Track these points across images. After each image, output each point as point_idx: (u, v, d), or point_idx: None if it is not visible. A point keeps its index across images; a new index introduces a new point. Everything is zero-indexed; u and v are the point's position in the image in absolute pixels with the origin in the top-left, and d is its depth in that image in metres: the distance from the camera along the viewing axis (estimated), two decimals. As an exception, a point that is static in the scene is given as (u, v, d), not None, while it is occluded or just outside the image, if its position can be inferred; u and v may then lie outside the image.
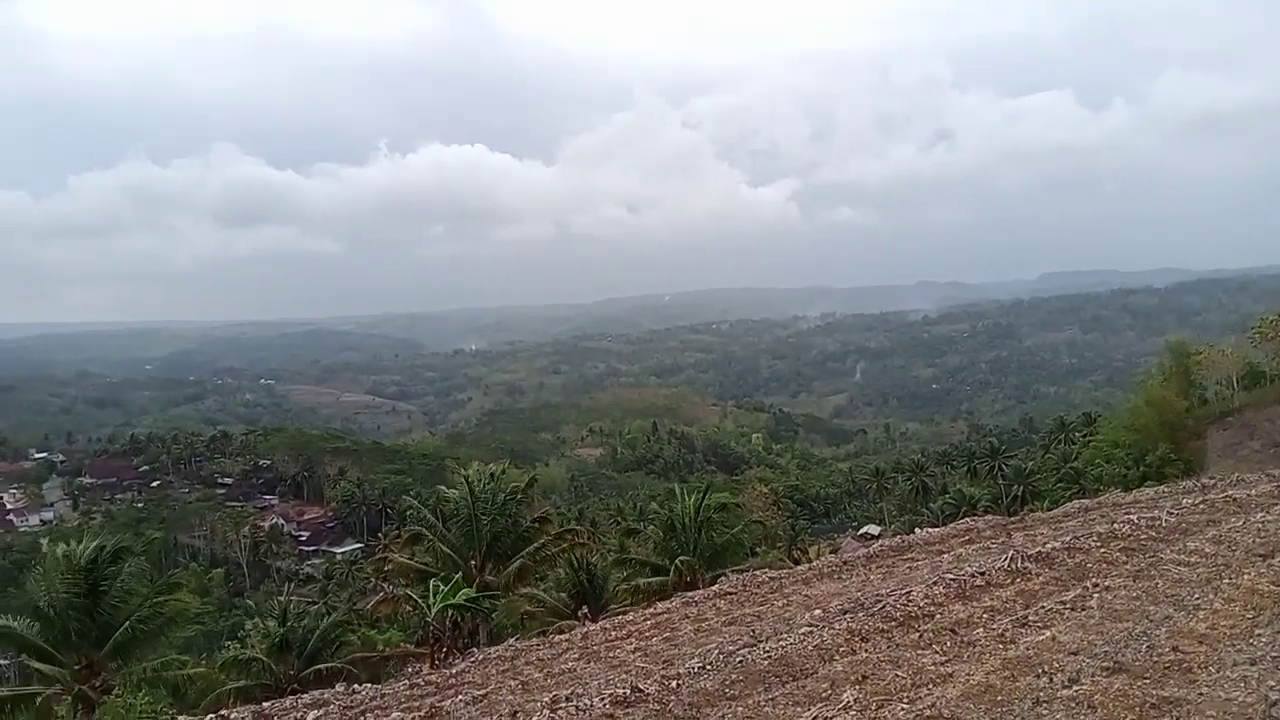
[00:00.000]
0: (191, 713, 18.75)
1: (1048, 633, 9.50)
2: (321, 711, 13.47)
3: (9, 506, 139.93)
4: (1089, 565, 12.91)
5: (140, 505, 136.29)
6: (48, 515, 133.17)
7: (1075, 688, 7.43)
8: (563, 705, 10.16)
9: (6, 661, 48.60)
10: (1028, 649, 8.95)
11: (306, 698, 16.46)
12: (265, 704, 16.53)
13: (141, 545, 28.04)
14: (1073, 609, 10.45)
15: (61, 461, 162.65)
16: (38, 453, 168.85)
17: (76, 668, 23.64)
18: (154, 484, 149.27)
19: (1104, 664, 8.13)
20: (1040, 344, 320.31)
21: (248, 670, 33.28)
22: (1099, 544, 14.09)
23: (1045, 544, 15.16)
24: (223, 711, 15.79)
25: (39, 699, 24.01)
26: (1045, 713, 6.92)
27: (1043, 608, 10.73)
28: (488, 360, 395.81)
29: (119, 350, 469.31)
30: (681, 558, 31.69)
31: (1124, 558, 13.22)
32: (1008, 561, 13.65)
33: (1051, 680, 7.76)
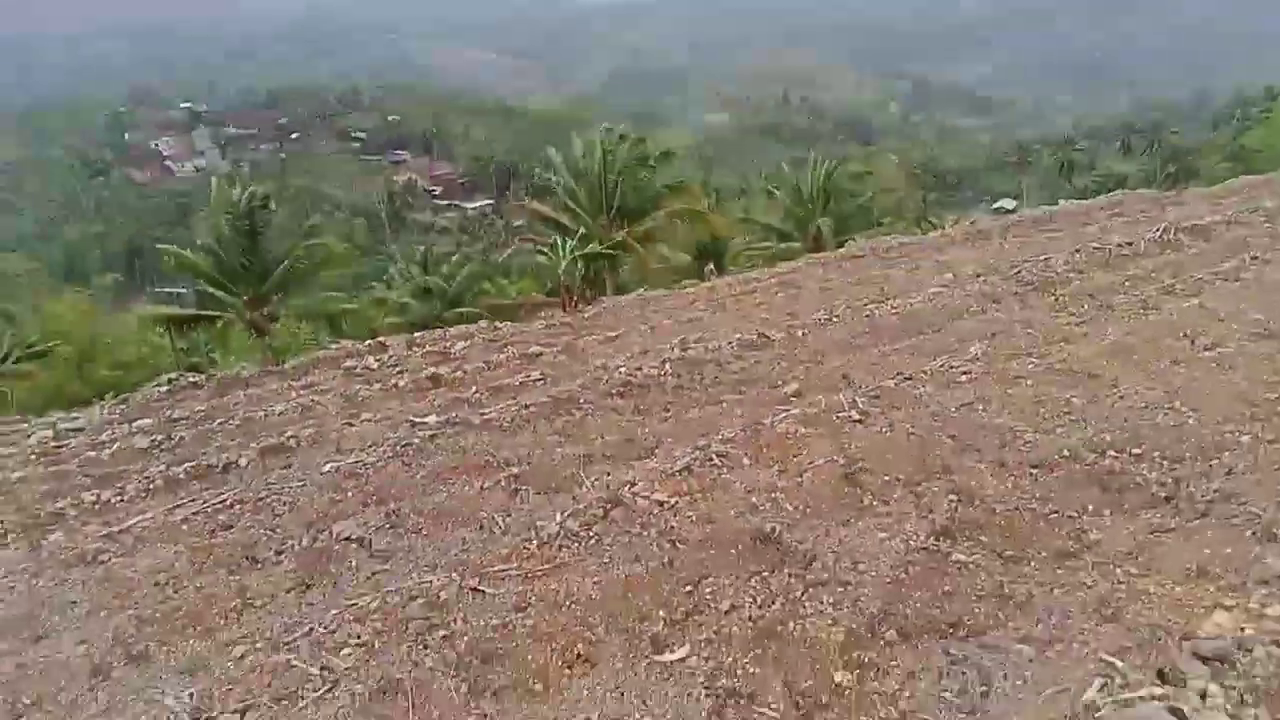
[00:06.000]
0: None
1: (1194, 300, 9.24)
2: (467, 343, 14.60)
3: (164, 153, 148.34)
4: (1250, 239, 12.22)
5: (283, 157, 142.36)
6: (200, 163, 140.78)
7: (1218, 350, 7.32)
8: (692, 346, 10.68)
9: (186, 290, 53.91)
10: (1171, 314, 8.77)
11: (453, 331, 17.84)
12: (415, 334, 18.08)
13: (290, 194, 29.54)
14: (1225, 280, 10.05)
15: (205, 111, 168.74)
16: (183, 103, 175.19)
17: (245, 299, 25.98)
18: (293, 136, 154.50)
19: (1252, 330, 7.92)
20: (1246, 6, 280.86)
21: (398, 310, 36.17)
22: (1265, 219, 13.25)
23: (1202, 218, 14.37)
24: (380, 339, 17.42)
25: (219, 322, 26.85)
26: (1183, 370, 6.89)
27: (1192, 277, 10.36)
28: (615, 17, 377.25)
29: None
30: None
31: (1292, 233, 12.44)
32: (1159, 233, 13.06)
33: (1193, 343, 7.65)
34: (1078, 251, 12.88)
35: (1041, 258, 13.02)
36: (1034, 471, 5.35)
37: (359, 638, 4.23)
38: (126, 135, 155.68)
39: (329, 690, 3.84)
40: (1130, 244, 13.03)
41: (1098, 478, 5.15)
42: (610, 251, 27.71)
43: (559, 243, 26.94)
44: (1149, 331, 8.19)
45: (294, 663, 4.07)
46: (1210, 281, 10.08)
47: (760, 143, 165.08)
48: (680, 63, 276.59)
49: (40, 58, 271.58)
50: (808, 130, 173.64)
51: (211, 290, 25.68)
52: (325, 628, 4.37)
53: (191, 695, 3.92)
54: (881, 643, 3.72)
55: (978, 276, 12.53)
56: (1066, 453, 5.54)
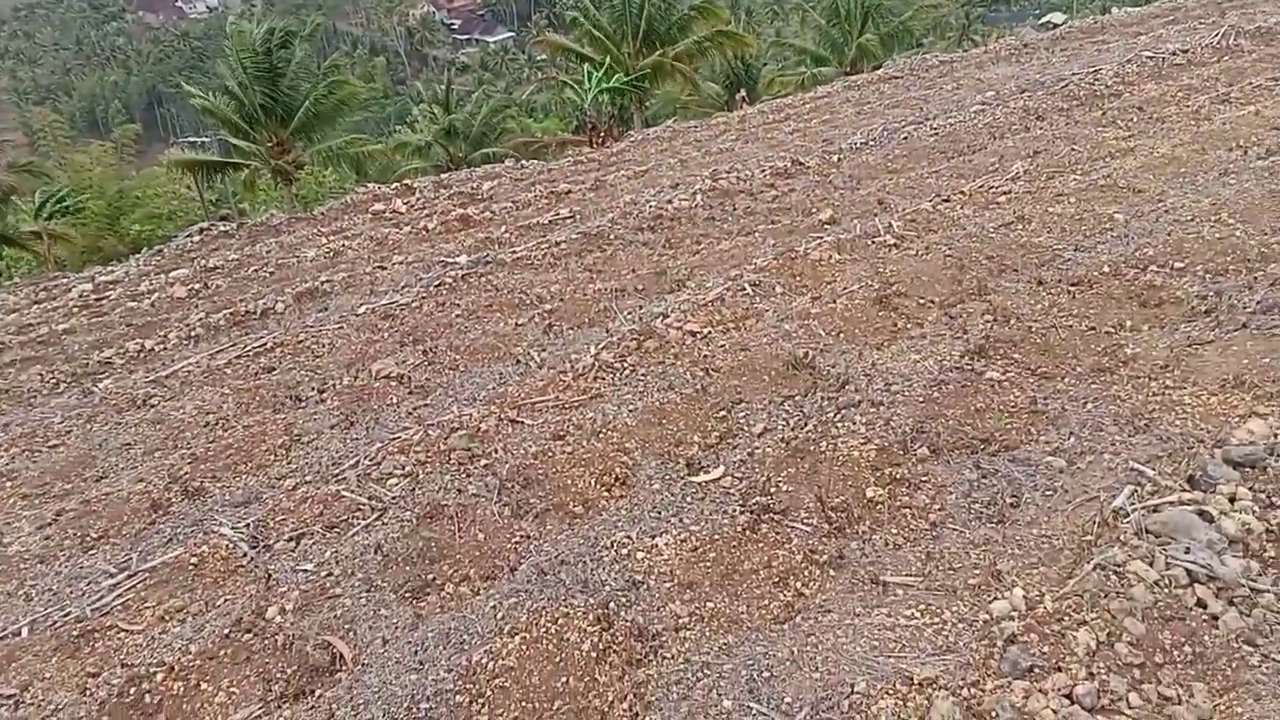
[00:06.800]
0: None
1: (1250, 108, 8.77)
2: (494, 182, 14.42)
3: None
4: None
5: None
6: (212, 2, 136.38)
7: (1271, 160, 6.99)
8: (723, 177, 10.46)
9: (208, 139, 53.43)
10: (1224, 124, 8.36)
11: (479, 171, 17.60)
12: (442, 175, 17.85)
13: (307, 30, 28.51)
14: (1286, 85, 9.51)
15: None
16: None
17: (268, 145, 25.67)
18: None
19: (1311, 138, 7.55)
20: None
21: (422, 152, 35.63)
22: (1335, 19, 12.39)
23: (1267, 20, 13.48)
24: (407, 182, 17.24)
25: (245, 171, 26.68)
26: (1233, 182, 6.61)
27: (1250, 84, 9.82)
28: None
29: None
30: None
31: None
32: (1218, 38, 12.31)
33: (1246, 154, 7.31)
34: (1128, 62, 12.23)
35: (1089, 70, 12.39)
36: (1072, 289, 5.25)
37: (404, 468, 4.37)
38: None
39: (378, 517, 4.01)
40: (1185, 51, 12.33)
41: (1137, 293, 5.05)
42: (636, 85, 26.78)
43: (585, 74, 26.07)
44: (1200, 143, 7.83)
45: (343, 493, 4.23)
46: (1270, 88, 9.54)
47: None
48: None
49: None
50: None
51: (235, 141, 25.42)
52: (371, 460, 4.52)
53: (248, 525, 4.11)
54: (913, 459, 3.77)
55: (1021, 93, 12.01)
56: (1106, 269, 5.42)
